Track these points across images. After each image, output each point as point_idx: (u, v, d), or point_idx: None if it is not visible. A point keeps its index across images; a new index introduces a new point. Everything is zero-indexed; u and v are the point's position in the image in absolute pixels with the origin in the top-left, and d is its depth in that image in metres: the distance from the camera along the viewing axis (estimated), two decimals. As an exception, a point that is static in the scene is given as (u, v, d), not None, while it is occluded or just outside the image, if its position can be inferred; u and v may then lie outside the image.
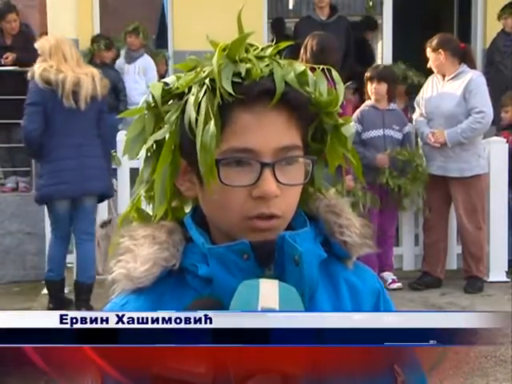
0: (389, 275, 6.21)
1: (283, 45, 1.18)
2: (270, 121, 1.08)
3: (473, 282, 6.11)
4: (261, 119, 1.08)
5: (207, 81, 1.09)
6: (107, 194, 5.62)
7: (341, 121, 1.17)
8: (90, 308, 5.31)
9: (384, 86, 6.10)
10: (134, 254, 1.12)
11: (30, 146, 5.29)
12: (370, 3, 8.99)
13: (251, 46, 1.14)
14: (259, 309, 0.86)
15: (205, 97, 1.08)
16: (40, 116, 5.16)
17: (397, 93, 6.75)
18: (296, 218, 1.17)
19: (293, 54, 7.46)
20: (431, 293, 6.06)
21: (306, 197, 1.20)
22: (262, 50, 1.14)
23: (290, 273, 1.07)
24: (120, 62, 8.12)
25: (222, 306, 0.96)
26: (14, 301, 5.93)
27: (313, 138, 1.16)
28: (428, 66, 6.15)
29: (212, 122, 1.06)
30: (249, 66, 1.09)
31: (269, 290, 0.89)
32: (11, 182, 7.40)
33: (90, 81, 5.25)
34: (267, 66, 1.10)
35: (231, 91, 1.06)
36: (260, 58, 1.11)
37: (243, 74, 1.08)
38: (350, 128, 1.16)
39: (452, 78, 6.01)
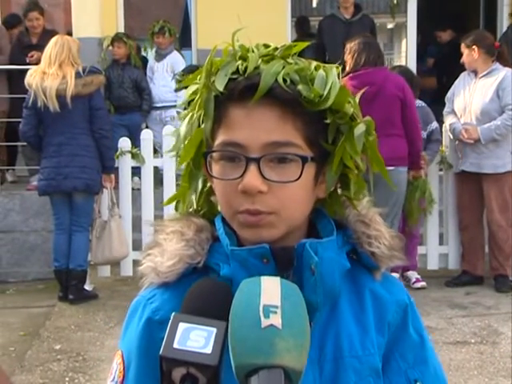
0: (413, 274, 6.20)
1: (303, 45, 1.17)
2: (260, 116, 1.08)
3: (503, 280, 6.06)
4: (250, 114, 1.08)
5: (209, 78, 1.12)
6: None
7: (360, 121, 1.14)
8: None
9: None
10: (162, 249, 1.15)
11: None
12: (395, 1, 8.93)
13: (266, 46, 1.15)
14: (261, 306, 0.87)
15: (201, 92, 1.12)
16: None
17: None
18: (325, 225, 1.17)
19: (316, 53, 7.48)
20: (455, 292, 6.02)
21: (337, 205, 1.20)
22: (276, 49, 1.14)
23: (306, 280, 1.08)
24: (151, 62, 8.18)
25: (230, 293, 0.97)
26: (39, 298, 5.97)
27: (334, 140, 1.13)
28: (461, 61, 6.11)
29: (195, 115, 1.13)
30: (247, 63, 1.10)
31: (270, 287, 0.90)
32: (36, 180, 7.43)
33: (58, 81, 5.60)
34: (267, 63, 1.10)
35: (220, 87, 1.09)
36: (266, 57, 1.11)
37: (241, 71, 1.09)
38: (360, 128, 1.13)
39: (485, 75, 5.99)
